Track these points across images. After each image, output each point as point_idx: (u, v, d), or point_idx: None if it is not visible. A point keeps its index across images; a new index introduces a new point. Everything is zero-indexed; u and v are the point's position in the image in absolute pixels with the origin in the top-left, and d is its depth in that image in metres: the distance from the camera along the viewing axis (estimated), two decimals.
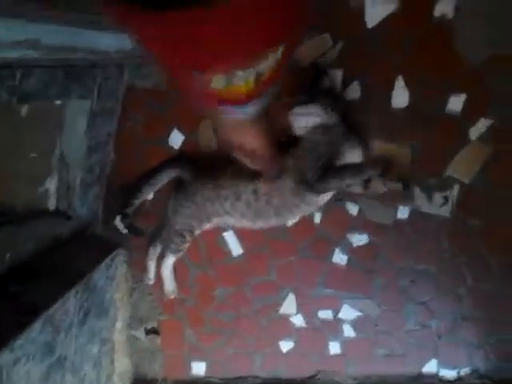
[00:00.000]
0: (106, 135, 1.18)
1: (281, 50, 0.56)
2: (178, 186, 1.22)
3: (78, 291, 1.09)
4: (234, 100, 0.64)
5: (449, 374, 1.27)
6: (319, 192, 1.07)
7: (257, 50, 0.54)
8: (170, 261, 1.24)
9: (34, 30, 0.58)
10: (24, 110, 0.87)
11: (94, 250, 1.26)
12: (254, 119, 0.82)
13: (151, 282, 1.31)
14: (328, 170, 1.05)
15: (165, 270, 1.26)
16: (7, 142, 0.98)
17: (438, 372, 1.27)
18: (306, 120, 1.06)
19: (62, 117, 1.00)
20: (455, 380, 1.26)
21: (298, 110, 1.05)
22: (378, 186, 1.14)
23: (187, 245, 1.20)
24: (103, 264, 1.22)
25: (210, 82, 0.57)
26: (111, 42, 0.83)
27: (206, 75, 0.56)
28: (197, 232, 1.18)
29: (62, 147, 1.06)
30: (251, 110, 0.70)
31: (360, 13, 1.09)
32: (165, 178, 1.23)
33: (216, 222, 1.17)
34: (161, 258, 1.26)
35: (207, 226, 1.18)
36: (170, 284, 1.29)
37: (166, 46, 0.54)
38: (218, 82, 0.57)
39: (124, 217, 1.25)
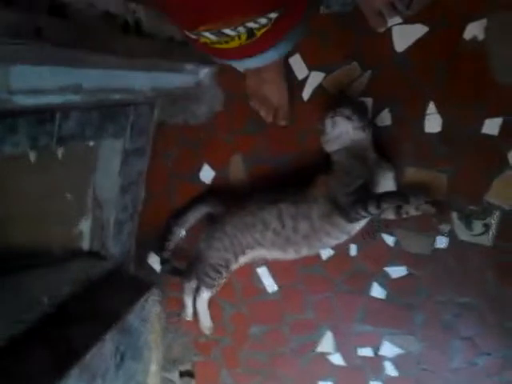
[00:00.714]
0: (138, 174, 1.20)
1: (275, 14, 0.61)
2: (210, 220, 1.21)
3: (115, 335, 1.07)
4: (227, 54, 0.69)
5: None
6: (353, 219, 1.04)
7: (242, 14, 0.60)
8: (205, 296, 1.22)
9: (76, 75, 0.60)
10: (60, 151, 0.89)
11: (127, 290, 1.25)
12: (272, 71, 1.05)
13: (189, 318, 1.28)
14: (364, 197, 1.02)
15: (200, 305, 1.24)
16: (43, 184, 1.00)
17: None
18: (344, 126, 1.03)
19: (96, 157, 1.02)
20: None
21: (341, 110, 1.03)
22: (411, 211, 1.10)
23: (223, 280, 1.19)
24: (137, 305, 1.21)
25: (199, 37, 0.62)
26: (145, 81, 0.84)
27: (195, 32, 0.61)
28: (233, 266, 1.16)
29: (95, 187, 1.07)
30: (249, 64, 0.75)
31: (388, 39, 1.09)
32: (195, 215, 1.23)
33: (251, 254, 1.15)
34: (196, 294, 1.24)
35: (243, 260, 1.16)
36: (206, 320, 1.27)
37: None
38: (207, 38, 0.62)
39: (164, 262, 1.26)
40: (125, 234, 1.22)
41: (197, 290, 1.23)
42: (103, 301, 1.14)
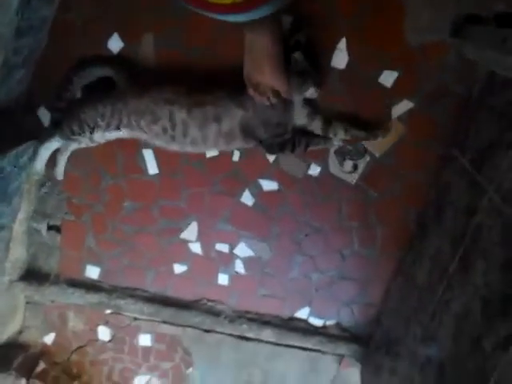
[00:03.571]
0: (41, 20, 1.13)
1: None
2: (107, 84, 1.19)
3: None
4: (219, 7, 0.69)
5: (316, 322, 1.40)
6: (273, 154, 1.22)
7: None
8: (54, 144, 1.21)
9: None
10: None
11: (7, 136, 1.23)
12: (271, 57, 0.99)
13: (59, 178, 1.29)
14: (292, 141, 1.16)
15: (43, 149, 1.22)
16: None
17: (307, 318, 1.40)
18: None
19: None
20: (320, 327, 1.40)
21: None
22: (339, 131, 1.17)
23: (80, 138, 1.17)
24: (14, 152, 1.21)
25: None
26: None
27: None
28: (97, 133, 1.15)
29: None
30: (242, 18, 0.74)
31: None
32: (97, 74, 1.19)
33: (128, 134, 1.16)
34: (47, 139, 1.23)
35: (113, 135, 1.17)
36: (39, 164, 1.25)
37: None
38: None
39: (55, 111, 1.23)
40: (15, 78, 1.18)
41: (50, 135, 1.21)
42: None
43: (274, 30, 0.97)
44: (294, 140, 1.16)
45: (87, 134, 1.15)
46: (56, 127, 1.21)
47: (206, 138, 1.13)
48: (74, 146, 1.22)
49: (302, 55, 1.07)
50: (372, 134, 1.17)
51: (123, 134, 1.16)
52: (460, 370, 0.82)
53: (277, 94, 1.07)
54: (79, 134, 1.16)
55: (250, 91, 1.08)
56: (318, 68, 1.12)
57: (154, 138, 1.15)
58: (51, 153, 1.24)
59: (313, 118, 1.16)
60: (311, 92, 1.09)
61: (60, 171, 1.28)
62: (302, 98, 1.12)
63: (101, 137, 1.17)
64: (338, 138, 1.17)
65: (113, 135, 1.17)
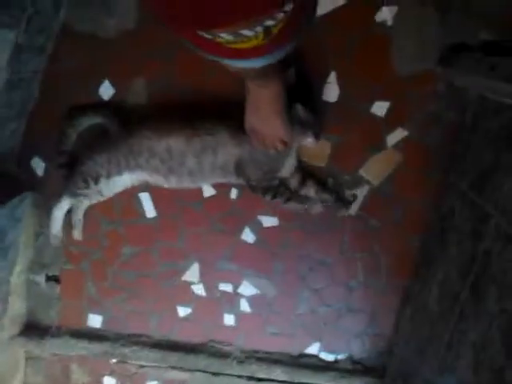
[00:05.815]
0: (32, 72, 1.14)
1: (290, 5, 0.59)
2: (100, 132, 1.20)
3: None
4: (241, 53, 0.65)
5: (328, 357, 1.37)
6: (258, 194, 1.18)
7: (259, 11, 0.57)
8: (64, 203, 1.21)
9: None
10: None
11: (3, 188, 1.22)
12: (280, 111, 1.02)
13: (79, 239, 1.30)
14: (277, 190, 1.18)
15: (56, 211, 1.22)
16: None
17: (318, 354, 1.37)
18: None
19: None
20: (332, 362, 1.37)
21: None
22: (310, 192, 1.21)
23: (88, 192, 1.17)
24: (9, 204, 1.20)
25: (216, 37, 0.59)
26: None
27: (210, 32, 0.58)
28: (102, 184, 1.15)
29: None
30: (260, 62, 0.73)
31: None
32: (89, 122, 1.19)
33: (129, 176, 1.16)
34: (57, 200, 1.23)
35: (118, 184, 1.17)
36: (55, 227, 1.24)
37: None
38: (224, 37, 0.59)
39: (59, 168, 1.22)
40: (8, 131, 1.17)
41: (58, 196, 1.21)
42: None
43: (281, 80, 0.99)
44: (277, 189, 1.17)
45: (92, 185, 1.15)
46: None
47: (203, 168, 1.13)
48: (85, 204, 1.23)
49: (303, 108, 1.09)
50: (338, 204, 1.23)
51: (126, 179, 1.16)
52: None
53: (284, 143, 1.09)
54: (85, 188, 1.16)
55: (255, 143, 1.09)
56: (319, 119, 1.13)
57: (154, 173, 1.14)
58: (65, 213, 1.24)
59: (295, 172, 1.18)
60: (310, 141, 1.11)
61: (78, 232, 1.28)
62: (296, 146, 1.14)
63: (107, 188, 1.17)
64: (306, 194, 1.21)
65: (119, 185, 1.17)
